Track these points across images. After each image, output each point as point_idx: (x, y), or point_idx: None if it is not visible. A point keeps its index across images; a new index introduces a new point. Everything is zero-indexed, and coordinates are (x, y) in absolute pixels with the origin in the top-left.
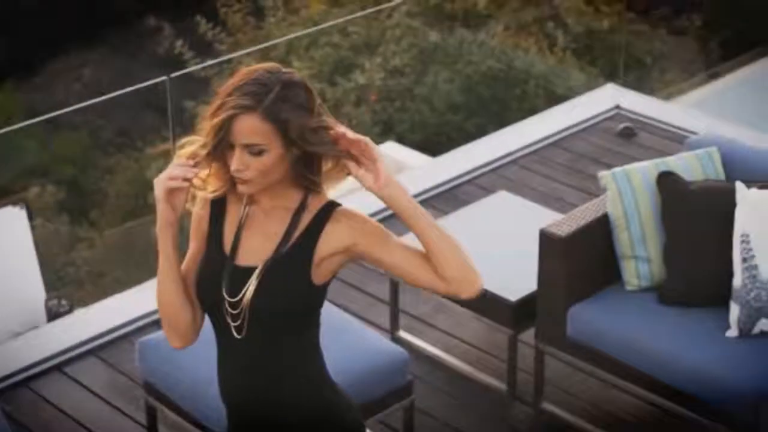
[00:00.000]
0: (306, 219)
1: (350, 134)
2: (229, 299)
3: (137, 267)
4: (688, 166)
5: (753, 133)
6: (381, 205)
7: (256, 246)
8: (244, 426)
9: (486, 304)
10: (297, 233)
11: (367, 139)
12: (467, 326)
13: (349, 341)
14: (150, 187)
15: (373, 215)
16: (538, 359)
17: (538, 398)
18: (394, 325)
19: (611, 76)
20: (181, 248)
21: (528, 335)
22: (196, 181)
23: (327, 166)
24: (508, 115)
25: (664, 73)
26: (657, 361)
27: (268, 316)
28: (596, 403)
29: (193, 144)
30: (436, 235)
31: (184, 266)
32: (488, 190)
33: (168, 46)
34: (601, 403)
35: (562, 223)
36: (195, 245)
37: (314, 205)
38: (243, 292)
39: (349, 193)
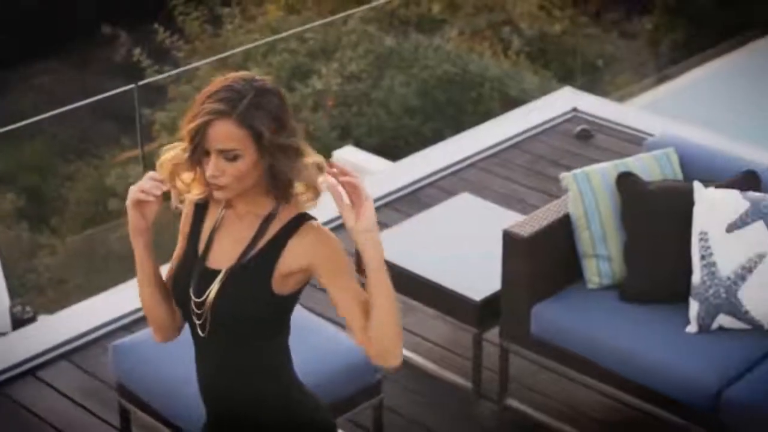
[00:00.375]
0: (274, 228)
1: (344, 175)
2: (195, 299)
3: (98, 273)
4: (647, 166)
5: (706, 134)
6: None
7: (226, 250)
8: (217, 422)
9: (451, 303)
10: (263, 242)
11: (358, 181)
12: (432, 326)
13: (318, 341)
14: (110, 194)
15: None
16: (503, 357)
17: (502, 395)
18: None
19: (564, 79)
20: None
21: (492, 334)
22: (180, 185)
23: (298, 189)
24: (464, 118)
25: (616, 75)
26: (619, 357)
27: (229, 319)
28: (560, 400)
29: (173, 149)
30: (388, 301)
31: (170, 264)
32: (450, 193)
33: (125, 54)
34: (565, 399)
35: (525, 223)
36: (181, 245)
37: (285, 215)
38: (207, 293)
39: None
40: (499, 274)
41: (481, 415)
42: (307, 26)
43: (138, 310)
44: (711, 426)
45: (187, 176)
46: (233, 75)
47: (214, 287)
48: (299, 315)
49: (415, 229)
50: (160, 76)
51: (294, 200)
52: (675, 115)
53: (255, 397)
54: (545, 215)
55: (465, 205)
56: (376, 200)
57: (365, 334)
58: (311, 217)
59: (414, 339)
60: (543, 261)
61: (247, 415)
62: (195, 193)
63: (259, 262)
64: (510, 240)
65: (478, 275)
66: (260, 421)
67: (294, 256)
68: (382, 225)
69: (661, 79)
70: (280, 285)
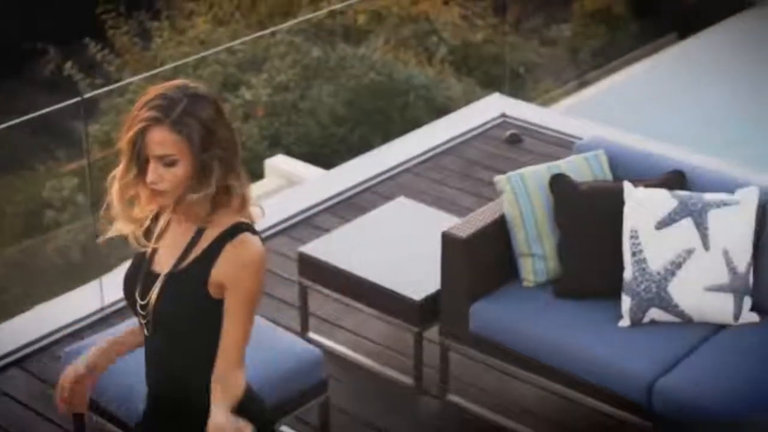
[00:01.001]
0: (211, 235)
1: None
2: (140, 301)
3: (36, 284)
4: (578, 168)
5: (630, 136)
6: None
7: (166, 254)
8: (153, 414)
9: (392, 304)
10: (198, 249)
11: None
12: (374, 326)
13: (265, 343)
14: (45, 206)
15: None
16: (443, 354)
17: (443, 391)
18: (304, 327)
19: (488, 86)
20: None
21: (432, 332)
22: (137, 214)
23: (234, 199)
24: (391, 125)
25: (538, 82)
26: (555, 352)
27: (169, 321)
28: (499, 394)
29: (115, 180)
30: None
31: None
32: (387, 197)
33: (55, 69)
34: (503, 393)
35: (463, 225)
36: None
37: (223, 222)
38: (149, 296)
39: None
40: (437, 275)
41: (423, 411)
42: (237, 41)
43: (87, 316)
44: (645, 415)
45: (139, 210)
46: (167, 84)
47: (155, 290)
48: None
49: (354, 233)
50: (104, 89)
51: (233, 208)
52: (596, 118)
53: (192, 395)
54: (482, 217)
55: (402, 208)
56: (314, 206)
57: (217, 369)
58: (249, 227)
59: (357, 339)
60: (480, 261)
61: (182, 410)
62: (146, 215)
63: (195, 268)
64: (449, 241)
65: (418, 276)
66: (195, 414)
67: (222, 269)
68: (322, 230)
69: (582, 84)
70: (217, 289)
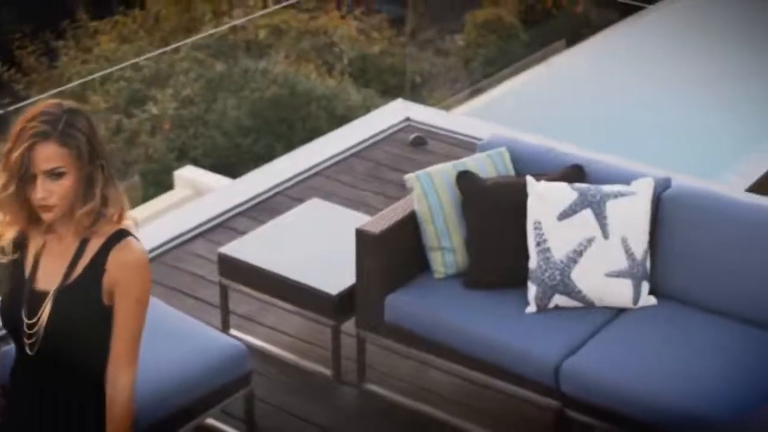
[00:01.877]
0: (95, 244)
1: None
2: (27, 321)
3: None
4: (483, 165)
5: (526, 135)
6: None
7: (51, 271)
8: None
9: (309, 299)
10: (85, 259)
11: None
12: (293, 321)
13: (190, 338)
14: None
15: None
16: (360, 345)
17: (361, 380)
18: (226, 325)
19: (387, 94)
20: None
21: (349, 324)
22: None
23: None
24: (295, 135)
25: (434, 90)
26: (467, 339)
27: (62, 336)
28: (415, 381)
29: None
30: None
31: None
32: (299, 200)
33: None
34: (419, 381)
35: (375, 222)
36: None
37: (105, 231)
38: (39, 314)
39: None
40: (352, 270)
41: (342, 400)
42: (142, 57)
43: None
44: (554, 395)
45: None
46: (44, 103)
47: (46, 308)
48: (173, 314)
49: (270, 233)
50: (12, 107)
51: (113, 218)
52: (491, 122)
53: (78, 407)
54: (393, 214)
55: (315, 209)
56: (229, 210)
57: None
58: (131, 234)
59: (277, 334)
60: (393, 255)
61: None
62: (9, 237)
63: (86, 278)
64: (362, 237)
65: (333, 271)
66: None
67: (111, 276)
68: (238, 232)
69: (475, 92)
70: (109, 296)
